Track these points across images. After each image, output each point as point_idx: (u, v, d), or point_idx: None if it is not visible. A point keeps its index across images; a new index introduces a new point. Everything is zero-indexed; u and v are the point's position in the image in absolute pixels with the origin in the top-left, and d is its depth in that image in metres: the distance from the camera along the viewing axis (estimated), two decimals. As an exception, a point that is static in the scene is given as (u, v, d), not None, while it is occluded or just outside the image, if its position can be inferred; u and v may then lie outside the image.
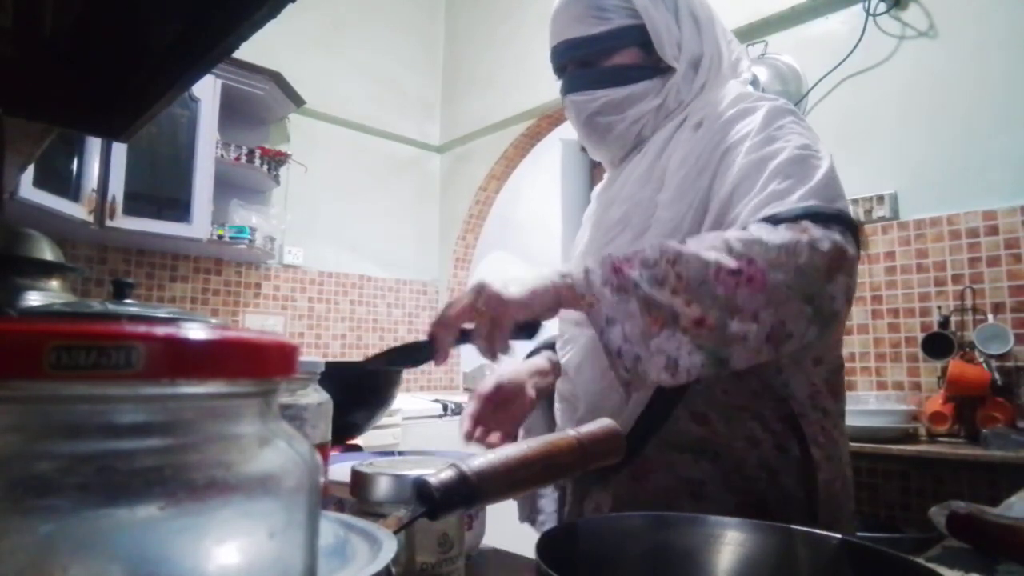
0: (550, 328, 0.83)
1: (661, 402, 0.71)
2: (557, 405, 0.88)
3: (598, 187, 0.97)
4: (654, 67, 0.82)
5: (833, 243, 0.61)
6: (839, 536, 0.43)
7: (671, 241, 0.64)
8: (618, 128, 0.84)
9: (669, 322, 0.59)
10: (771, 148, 0.70)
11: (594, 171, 3.92)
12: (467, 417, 0.81)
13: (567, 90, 0.85)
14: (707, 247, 0.61)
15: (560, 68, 0.86)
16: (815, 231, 0.62)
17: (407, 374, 3.62)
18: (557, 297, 0.63)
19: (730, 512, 0.64)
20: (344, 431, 1.04)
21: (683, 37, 0.82)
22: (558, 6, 0.84)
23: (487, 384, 0.84)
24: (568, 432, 0.45)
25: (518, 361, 0.90)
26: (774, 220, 0.63)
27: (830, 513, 0.69)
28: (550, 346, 0.95)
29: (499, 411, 0.83)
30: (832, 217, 0.64)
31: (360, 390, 1.04)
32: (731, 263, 0.59)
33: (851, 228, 0.65)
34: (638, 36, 0.81)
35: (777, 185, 0.66)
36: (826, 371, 0.74)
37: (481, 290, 0.62)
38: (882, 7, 2.12)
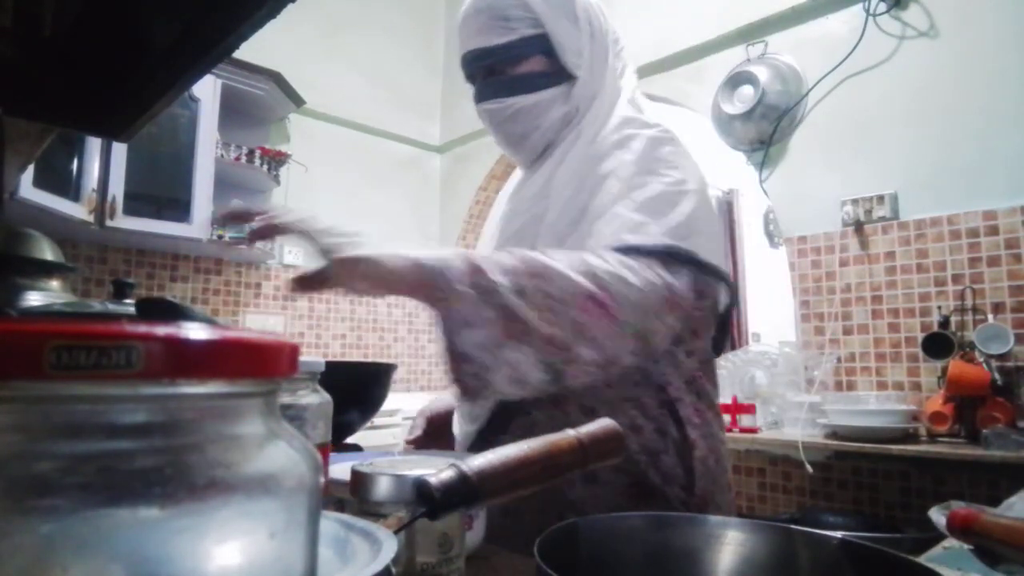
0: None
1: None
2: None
3: (508, 189, 0.98)
4: (559, 74, 0.84)
5: (672, 288, 0.68)
6: (839, 536, 0.43)
7: (535, 252, 0.65)
8: (532, 136, 0.86)
9: (521, 334, 0.60)
10: (641, 179, 0.74)
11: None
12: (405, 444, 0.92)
13: (479, 99, 0.87)
14: (573, 269, 0.63)
15: (470, 77, 0.88)
16: (664, 273, 0.67)
17: (407, 374, 3.62)
18: (410, 284, 0.61)
19: (621, 491, 0.72)
20: (337, 430, 1.04)
21: (582, 44, 0.84)
22: (463, 17, 0.85)
23: (419, 422, 0.95)
24: (568, 432, 0.45)
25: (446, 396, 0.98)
26: (631, 250, 0.67)
27: (706, 485, 0.75)
28: None
29: (433, 442, 0.94)
30: (685, 258, 0.69)
31: (354, 389, 1.04)
32: (595, 291, 0.62)
33: (701, 267, 0.71)
34: (542, 45, 0.83)
35: (639, 217, 0.70)
36: (698, 360, 0.80)
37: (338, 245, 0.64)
38: (882, 7, 2.12)
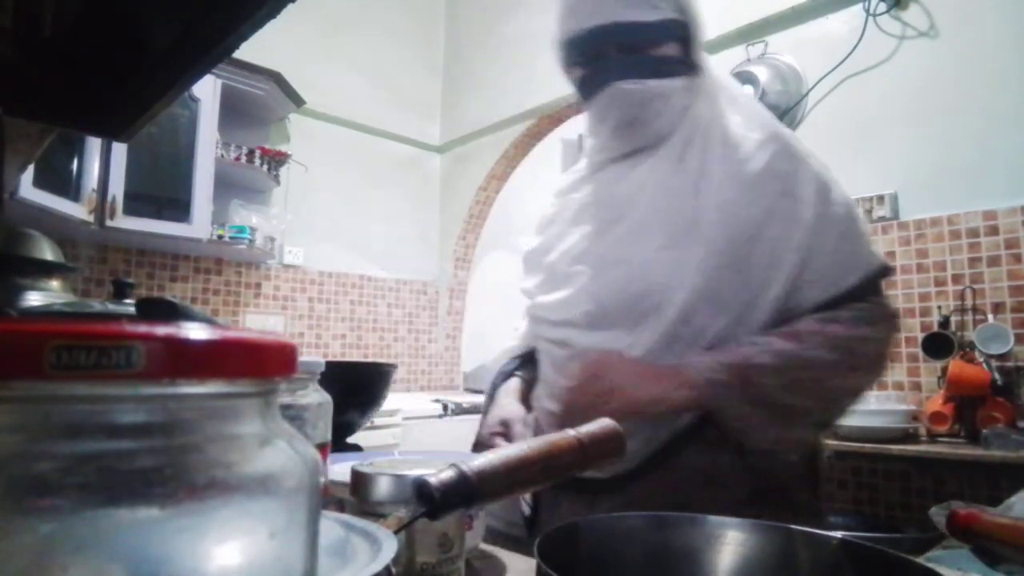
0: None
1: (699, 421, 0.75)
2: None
3: (568, 182, 0.95)
4: (687, 64, 0.81)
5: (895, 312, 0.80)
6: (839, 536, 0.43)
7: (788, 343, 0.71)
8: (655, 124, 0.81)
9: (788, 415, 0.71)
10: (832, 211, 0.76)
11: (594, 171, 3.91)
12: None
13: (614, 76, 0.80)
14: (826, 347, 0.71)
15: (594, 53, 0.81)
16: (882, 299, 0.78)
17: (407, 374, 3.62)
18: (681, 404, 0.70)
19: (744, 493, 0.72)
20: (337, 430, 1.04)
21: (703, 38, 0.83)
22: None
23: (493, 422, 0.86)
24: (568, 432, 0.45)
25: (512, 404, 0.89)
26: (856, 292, 0.74)
27: (823, 486, 0.80)
28: (514, 370, 0.95)
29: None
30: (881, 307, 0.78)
31: (354, 389, 1.04)
32: (848, 363, 0.72)
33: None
34: (680, 31, 0.80)
35: (845, 250, 0.76)
36: None
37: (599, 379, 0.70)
38: (882, 7, 2.11)
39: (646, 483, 0.74)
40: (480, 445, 0.83)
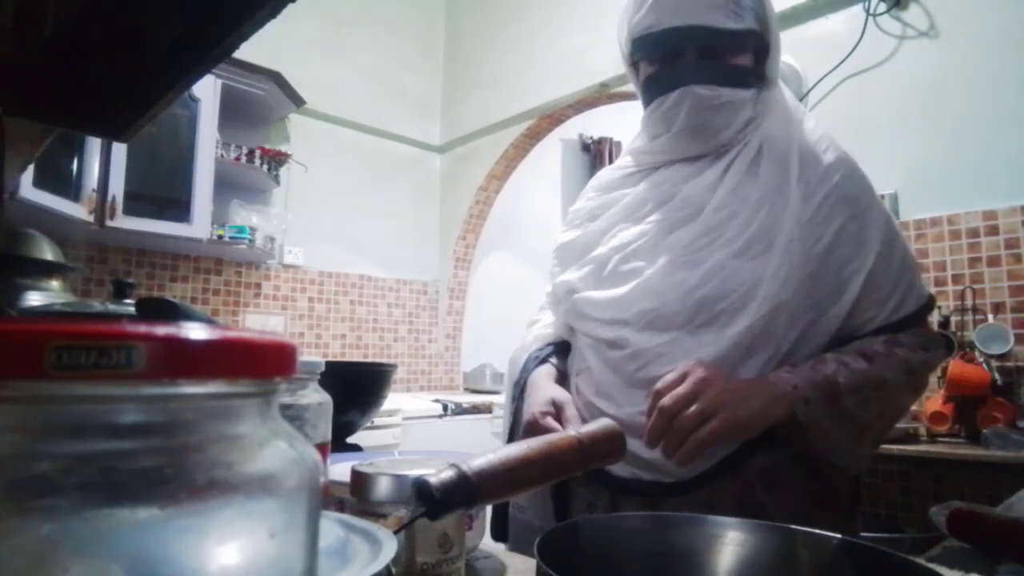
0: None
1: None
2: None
3: (614, 177, 0.93)
4: (759, 76, 0.82)
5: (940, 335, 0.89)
6: (839, 536, 0.43)
7: (863, 363, 0.74)
8: (723, 134, 0.82)
9: (863, 432, 0.74)
10: (896, 241, 0.80)
11: (594, 171, 3.91)
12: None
13: (690, 79, 0.79)
14: (898, 370, 0.74)
15: (674, 52, 0.80)
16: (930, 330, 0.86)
17: (407, 374, 3.62)
18: (774, 420, 0.71)
19: (804, 500, 0.74)
20: (337, 430, 1.04)
21: (779, 53, 0.84)
22: None
23: (543, 400, 0.83)
24: (569, 432, 0.45)
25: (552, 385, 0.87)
26: (913, 318, 0.80)
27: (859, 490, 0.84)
28: (549, 357, 0.93)
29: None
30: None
31: (354, 389, 1.04)
32: (914, 384, 0.78)
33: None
34: (757, 42, 0.81)
35: (903, 281, 0.80)
36: None
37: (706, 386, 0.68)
38: (882, 7, 2.12)
39: (712, 487, 0.73)
40: (533, 425, 0.80)
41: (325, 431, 0.56)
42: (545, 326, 0.98)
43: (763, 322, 0.74)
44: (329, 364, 0.59)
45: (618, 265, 0.84)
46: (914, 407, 1.91)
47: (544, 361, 0.92)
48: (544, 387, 0.86)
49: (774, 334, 0.75)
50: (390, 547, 0.30)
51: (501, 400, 1.85)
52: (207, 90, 2.57)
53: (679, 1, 0.78)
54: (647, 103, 0.86)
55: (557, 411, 0.81)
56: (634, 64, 0.87)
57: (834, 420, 0.71)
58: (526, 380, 0.90)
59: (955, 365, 1.82)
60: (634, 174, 0.91)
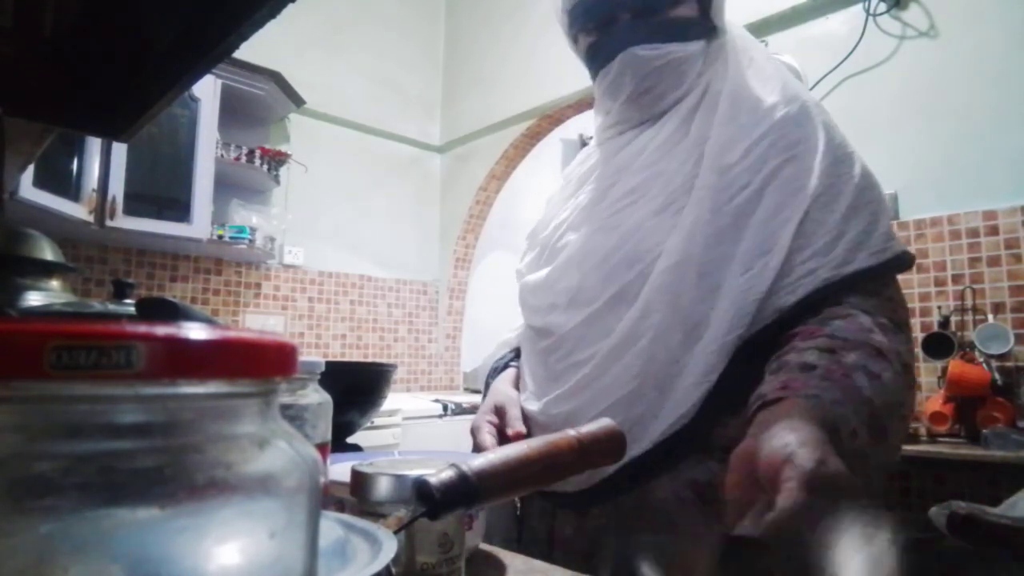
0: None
1: (706, 413, 0.63)
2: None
3: (577, 160, 0.89)
4: (705, 25, 0.76)
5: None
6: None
7: (865, 378, 0.57)
8: (669, 94, 0.75)
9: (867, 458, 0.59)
10: (842, 184, 0.67)
11: (594, 171, 3.91)
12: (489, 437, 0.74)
13: (628, 42, 0.73)
14: (890, 373, 0.58)
15: (608, 18, 0.75)
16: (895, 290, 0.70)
17: (407, 374, 3.62)
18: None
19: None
20: (337, 430, 1.04)
21: None
22: None
23: (487, 408, 0.78)
24: (568, 432, 0.45)
25: (506, 386, 0.82)
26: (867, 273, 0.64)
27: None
28: (509, 362, 0.87)
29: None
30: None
31: (354, 389, 1.04)
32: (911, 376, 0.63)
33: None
34: None
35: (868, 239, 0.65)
36: None
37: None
38: (882, 7, 2.12)
39: (633, 495, 0.65)
40: (476, 431, 0.75)
41: (325, 431, 0.56)
42: (511, 330, 0.93)
43: (667, 285, 0.65)
44: (329, 364, 0.59)
45: (555, 243, 0.80)
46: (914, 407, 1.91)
47: (506, 367, 0.87)
48: (494, 392, 0.80)
49: (680, 296, 0.65)
50: (390, 547, 0.30)
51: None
52: (207, 90, 2.58)
53: None
54: (593, 76, 0.80)
55: (499, 415, 0.75)
56: (574, 37, 0.81)
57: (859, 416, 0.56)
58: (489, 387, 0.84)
59: (955, 365, 1.82)
60: (590, 151, 0.88)
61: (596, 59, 0.78)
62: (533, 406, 0.73)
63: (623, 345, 0.67)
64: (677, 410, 0.63)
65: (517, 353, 0.90)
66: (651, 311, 0.65)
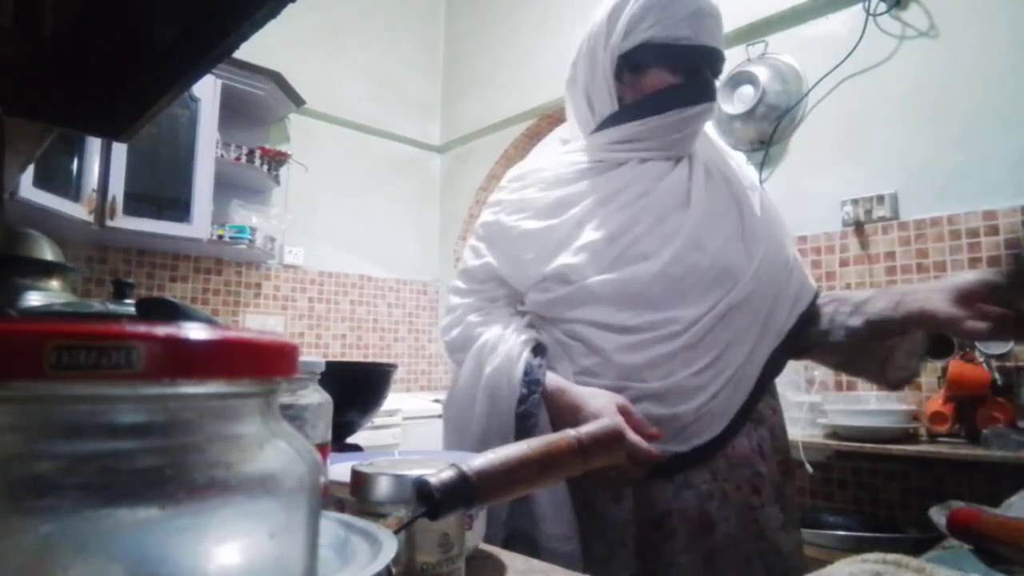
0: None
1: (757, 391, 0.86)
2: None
3: (570, 172, 0.93)
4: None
5: None
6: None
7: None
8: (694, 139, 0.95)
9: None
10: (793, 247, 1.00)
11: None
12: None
13: (711, 96, 0.90)
14: None
15: (695, 70, 0.88)
16: None
17: (407, 374, 3.62)
18: None
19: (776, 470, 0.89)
20: (337, 430, 1.04)
21: None
22: (709, 11, 0.86)
23: (611, 410, 0.76)
24: (568, 432, 0.45)
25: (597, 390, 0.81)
26: None
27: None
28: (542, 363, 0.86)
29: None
30: None
31: (354, 389, 1.04)
32: None
33: None
34: None
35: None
36: None
37: None
38: (882, 7, 2.11)
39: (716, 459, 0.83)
40: (622, 409, 0.76)
41: (325, 431, 0.56)
42: (517, 331, 0.88)
43: (748, 293, 0.86)
44: (329, 364, 0.59)
45: (627, 249, 0.86)
46: (914, 407, 1.91)
47: (549, 369, 0.84)
48: (593, 395, 0.78)
49: (755, 305, 0.87)
50: (390, 547, 0.30)
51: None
52: (207, 90, 2.58)
53: (709, 25, 0.86)
54: (659, 110, 0.89)
55: (625, 415, 0.75)
56: (635, 67, 0.89)
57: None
58: (535, 392, 0.81)
59: (955, 365, 1.82)
60: (597, 165, 0.92)
61: (675, 99, 0.89)
62: (657, 382, 0.82)
63: (734, 341, 0.85)
64: (742, 396, 0.85)
65: (540, 353, 0.86)
66: (735, 318, 0.85)
